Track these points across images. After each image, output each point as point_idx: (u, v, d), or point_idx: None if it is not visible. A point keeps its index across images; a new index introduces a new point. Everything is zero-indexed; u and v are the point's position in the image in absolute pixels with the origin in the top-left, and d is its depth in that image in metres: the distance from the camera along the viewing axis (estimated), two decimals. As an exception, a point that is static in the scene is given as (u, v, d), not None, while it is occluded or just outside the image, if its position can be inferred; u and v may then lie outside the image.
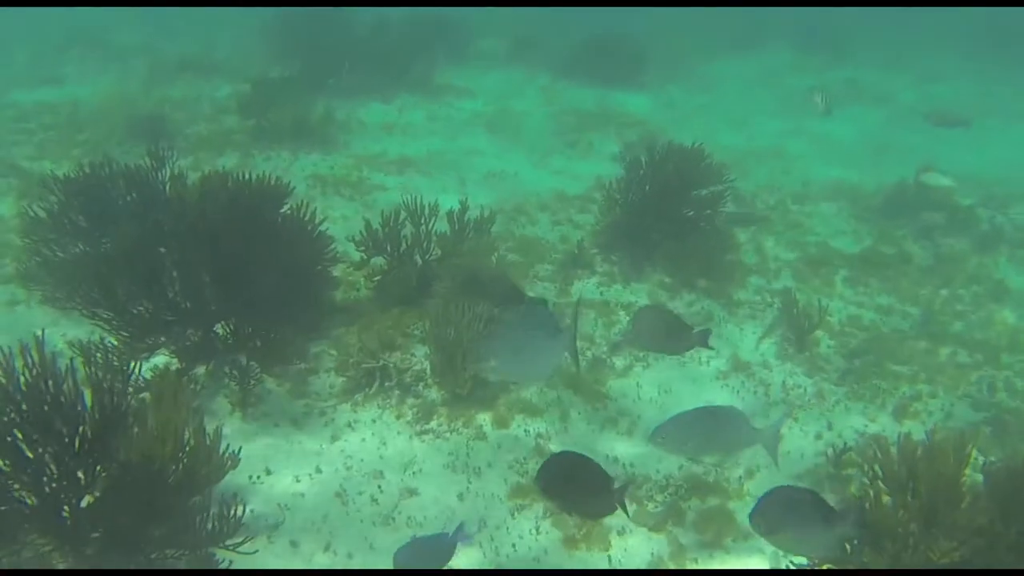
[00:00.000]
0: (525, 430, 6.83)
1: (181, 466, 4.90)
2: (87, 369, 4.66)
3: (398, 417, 6.84)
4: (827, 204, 12.10)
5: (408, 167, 12.42)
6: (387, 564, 5.01)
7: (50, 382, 4.43)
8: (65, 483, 4.56)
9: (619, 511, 4.70)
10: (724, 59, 21.62)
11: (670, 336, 6.24)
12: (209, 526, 4.94)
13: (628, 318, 8.25)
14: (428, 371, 7.23)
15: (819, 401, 7.48)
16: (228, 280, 6.84)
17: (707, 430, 5.19)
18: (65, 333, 7.43)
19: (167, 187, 7.90)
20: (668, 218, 9.34)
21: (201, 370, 7.00)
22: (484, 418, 6.87)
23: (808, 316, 8.22)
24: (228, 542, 4.99)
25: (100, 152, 11.26)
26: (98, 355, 6.39)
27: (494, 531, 5.79)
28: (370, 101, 15.46)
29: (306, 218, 7.57)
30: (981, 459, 6.39)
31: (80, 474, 4.59)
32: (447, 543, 4.78)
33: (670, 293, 9.03)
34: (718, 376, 7.77)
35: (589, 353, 7.85)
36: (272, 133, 12.71)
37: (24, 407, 4.39)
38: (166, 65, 17.12)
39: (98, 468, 4.64)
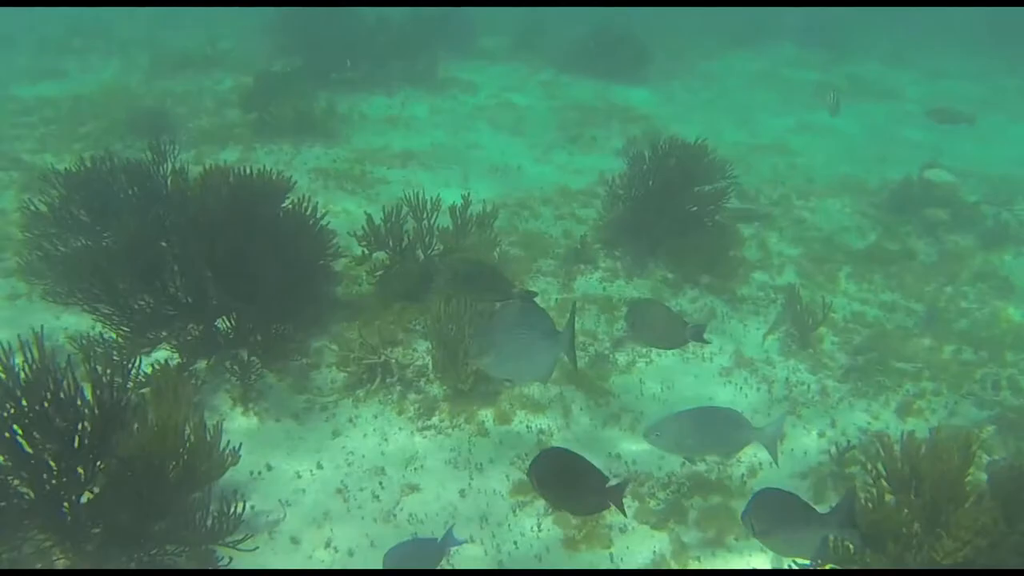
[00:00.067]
0: (527, 426, 6.81)
1: (181, 462, 4.89)
2: (87, 364, 4.63)
3: (400, 413, 6.82)
4: (831, 200, 12.05)
5: (411, 161, 12.38)
6: (388, 561, 5.01)
7: (50, 378, 4.41)
8: (65, 479, 4.54)
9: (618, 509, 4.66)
10: (727, 54, 21.54)
11: (665, 330, 6.23)
12: (209, 523, 4.93)
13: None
14: (430, 367, 7.21)
15: (822, 398, 7.45)
16: (229, 275, 6.81)
17: (703, 431, 5.17)
18: (67, 327, 7.43)
19: (168, 181, 7.88)
20: (671, 214, 9.30)
21: (202, 365, 6.99)
22: (486, 414, 6.85)
23: (812, 312, 8.19)
24: (228, 539, 4.98)
25: (102, 146, 11.27)
26: (98, 350, 6.38)
27: (495, 528, 5.77)
28: (373, 95, 15.42)
29: (308, 212, 7.54)
30: (985, 457, 6.38)
31: (80, 470, 4.58)
32: (436, 547, 4.79)
33: (673, 289, 8.99)
34: (721, 372, 7.74)
35: (592, 349, 7.83)
36: (274, 127, 12.68)
37: (24, 403, 4.37)
38: (168, 58, 17.07)
39: (98, 464, 4.63)
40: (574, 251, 9.41)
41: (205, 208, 6.87)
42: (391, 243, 8.06)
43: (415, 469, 6.26)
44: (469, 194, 8.75)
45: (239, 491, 5.81)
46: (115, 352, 6.42)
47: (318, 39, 16.16)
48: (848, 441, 6.61)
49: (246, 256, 6.81)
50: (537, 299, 8.42)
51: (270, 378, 7.01)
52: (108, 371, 4.62)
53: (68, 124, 13.26)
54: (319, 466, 6.21)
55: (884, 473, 4.85)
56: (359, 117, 14.20)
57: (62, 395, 4.43)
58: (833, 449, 6.53)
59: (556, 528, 5.78)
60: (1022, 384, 7.84)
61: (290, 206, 7.52)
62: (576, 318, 8.08)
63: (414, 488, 6.07)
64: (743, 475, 6.41)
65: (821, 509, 5.98)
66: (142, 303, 6.62)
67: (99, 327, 6.67)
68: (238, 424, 6.55)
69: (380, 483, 6.10)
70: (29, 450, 4.45)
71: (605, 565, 5.55)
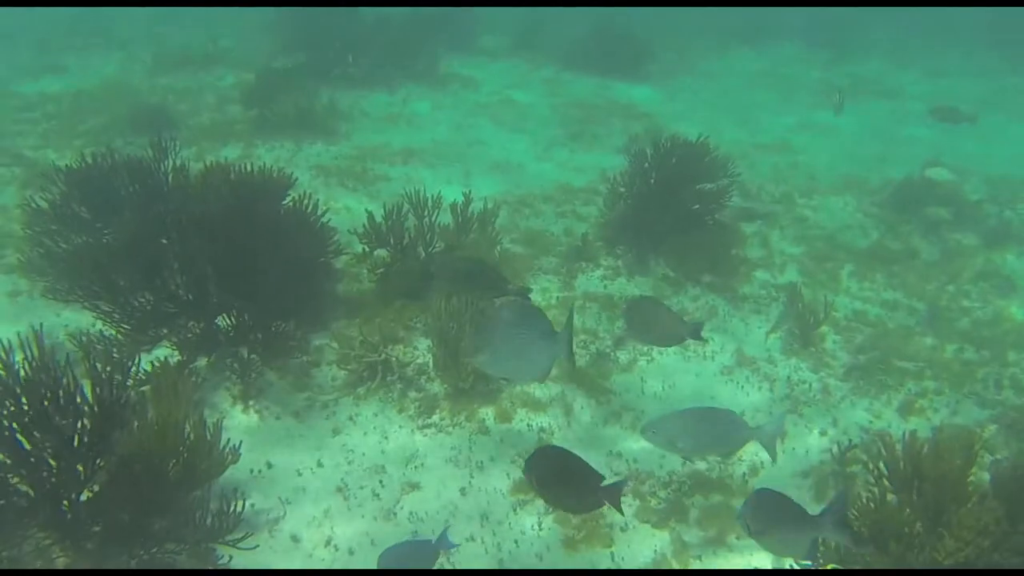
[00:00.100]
0: (528, 424, 6.79)
1: (181, 460, 4.88)
2: (86, 362, 4.62)
3: (400, 411, 6.81)
4: (833, 198, 12.02)
5: (412, 158, 12.36)
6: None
7: (49, 375, 4.40)
8: (65, 477, 4.53)
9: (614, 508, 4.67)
10: (730, 53, 21.52)
11: (662, 328, 6.24)
12: (209, 521, 4.92)
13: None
14: (430, 364, 7.20)
15: (824, 397, 7.43)
16: (230, 272, 6.80)
17: (699, 431, 5.18)
18: (67, 324, 7.41)
19: (169, 178, 7.86)
20: (673, 211, 9.28)
21: (203, 362, 6.97)
22: (487, 412, 6.84)
23: (814, 311, 8.17)
24: (228, 537, 4.97)
25: (103, 142, 11.25)
26: (98, 347, 6.37)
27: (496, 526, 5.76)
28: (374, 92, 15.40)
29: (308, 210, 7.53)
30: (988, 457, 6.36)
31: (80, 468, 4.57)
32: (430, 549, 4.80)
33: (675, 287, 8.97)
34: (723, 371, 7.72)
35: (593, 347, 7.81)
36: (276, 123, 12.67)
37: (24, 400, 4.36)
38: (170, 55, 17.05)
39: (98, 462, 4.62)
40: (575, 249, 9.39)
41: (206, 205, 6.85)
42: (392, 241, 8.04)
43: (415, 467, 6.25)
44: (470, 191, 8.73)
45: (239, 489, 5.79)
46: (115, 350, 6.41)
47: (320, 36, 16.15)
48: (850, 440, 6.59)
49: (247, 253, 6.79)
50: (539, 297, 8.45)
51: (270, 376, 6.99)
52: (108, 369, 4.61)
53: (70, 120, 13.25)
54: (319, 464, 6.20)
55: (886, 472, 4.83)
56: (360, 114, 14.18)
57: (62, 393, 4.43)
58: (835, 448, 6.51)
59: (557, 527, 5.77)
60: (1024, 383, 7.83)
61: (291, 203, 7.50)
62: (577, 316, 8.14)
63: (414, 486, 6.06)
64: (744, 474, 6.39)
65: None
66: (142, 300, 6.61)
67: (99, 324, 6.66)
68: (238, 422, 6.54)
69: (380, 481, 6.09)
70: (29, 448, 4.44)
71: (606, 564, 5.54)
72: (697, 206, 9.38)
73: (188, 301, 6.76)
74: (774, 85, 19.03)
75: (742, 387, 7.51)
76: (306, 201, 7.51)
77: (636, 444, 6.58)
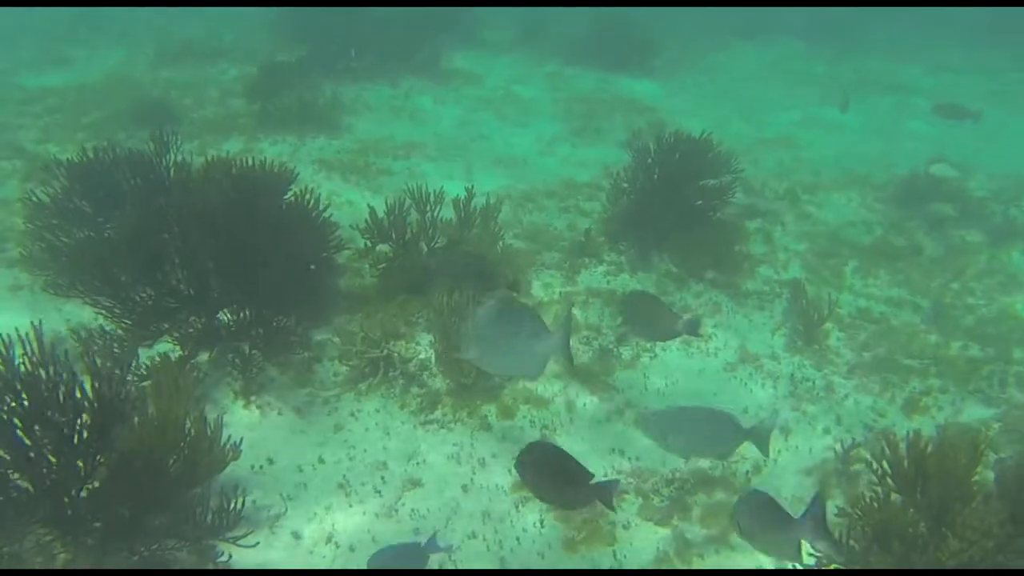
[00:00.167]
0: (531, 421, 6.77)
1: (182, 456, 4.85)
2: (86, 358, 4.60)
3: (402, 407, 6.79)
4: (837, 194, 11.96)
5: (415, 152, 12.32)
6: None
7: (49, 370, 4.38)
8: (65, 473, 4.51)
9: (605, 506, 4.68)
10: (734, 48, 21.43)
11: (657, 322, 6.24)
12: (209, 518, 4.90)
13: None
14: (432, 360, 7.18)
15: (828, 394, 7.39)
16: (231, 267, 6.77)
17: (692, 431, 5.18)
18: (69, 319, 7.39)
19: (171, 172, 7.83)
20: (676, 207, 9.24)
21: (204, 358, 6.95)
22: (489, 409, 6.81)
23: (817, 308, 8.13)
24: (228, 534, 4.95)
25: (105, 136, 11.22)
26: (99, 342, 6.35)
27: (498, 524, 5.74)
28: (377, 86, 15.35)
29: (310, 204, 7.50)
30: (992, 456, 6.32)
31: (80, 464, 4.55)
32: (419, 552, 4.82)
33: (678, 283, 8.93)
34: (726, 368, 7.69)
35: (596, 343, 7.79)
36: (278, 117, 12.63)
37: (24, 396, 4.34)
38: (173, 48, 17.00)
39: (98, 458, 4.60)
40: (578, 244, 9.36)
41: (207, 199, 6.83)
42: (394, 236, 8.01)
43: (417, 464, 6.23)
44: (473, 186, 8.69)
45: (240, 485, 5.78)
46: (116, 345, 6.39)
47: (323, 30, 16.09)
48: (853, 438, 6.56)
49: (248, 248, 6.76)
50: (541, 292, 8.42)
51: (272, 371, 6.97)
52: (108, 364, 4.59)
53: (72, 114, 13.22)
54: (321, 460, 6.18)
55: (889, 472, 4.80)
56: (363, 108, 14.14)
57: (62, 389, 4.41)
58: (838, 446, 6.49)
59: (559, 525, 5.75)
60: (1029, 381, 7.79)
61: (293, 198, 7.47)
62: (580, 312, 8.11)
63: (416, 483, 6.04)
64: (747, 472, 6.37)
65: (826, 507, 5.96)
66: (143, 295, 6.58)
67: (101, 319, 6.64)
68: (239, 417, 6.52)
69: (382, 478, 6.07)
70: (29, 443, 4.42)
71: (608, 562, 5.52)
72: (700, 202, 9.34)
73: (189, 296, 6.74)
74: (777, 81, 18.94)
75: (745, 384, 7.48)
76: (308, 196, 7.48)
77: (639, 441, 6.56)
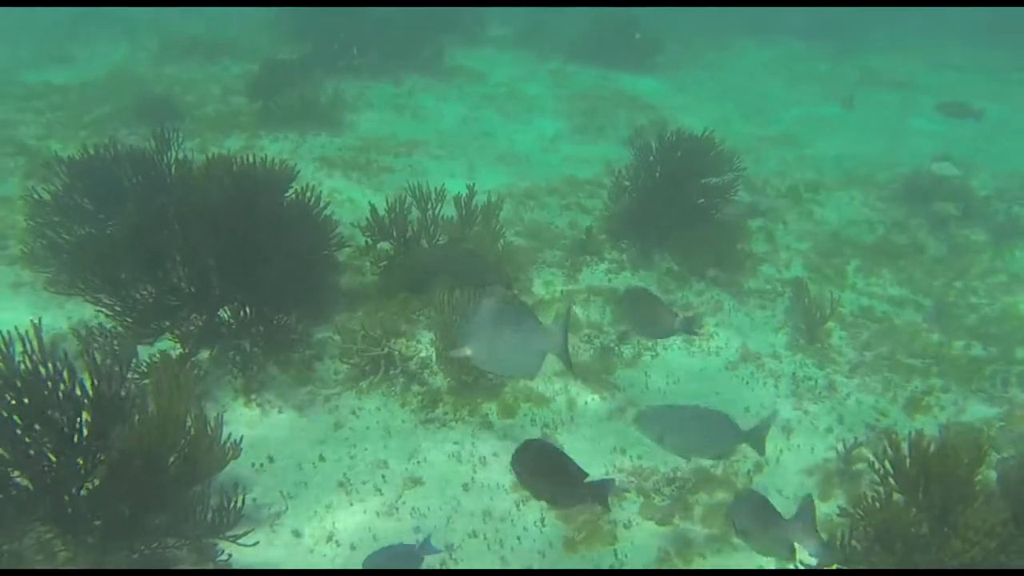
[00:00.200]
0: (532, 419, 6.76)
1: (182, 455, 4.84)
2: (86, 355, 4.59)
3: (403, 405, 6.78)
4: (840, 193, 11.93)
5: (417, 150, 12.31)
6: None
7: (49, 368, 4.37)
8: (64, 471, 4.51)
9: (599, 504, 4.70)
10: (736, 45, 21.38)
11: (654, 320, 6.24)
12: (209, 517, 4.89)
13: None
14: (433, 358, 7.17)
15: (830, 393, 7.37)
16: (232, 264, 6.76)
17: (688, 430, 5.19)
18: (70, 316, 7.39)
19: (172, 169, 7.83)
20: (678, 205, 9.22)
21: (205, 355, 6.94)
22: (490, 407, 6.80)
23: (820, 307, 8.11)
24: (229, 533, 4.94)
25: (108, 132, 11.23)
26: (100, 340, 6.35)
27: (499, 523, 5.73)
28: (379, 83, 15.32)
29: (311, 202, 7.48)
30: (995, 455, 6.30)
31: (80, 462, 4.54)
32: (414, 554, 4.84)
33: (679, 282, 8.92)
34: (728, 366, 7.68)
35: (597, 341, 7.77)
36: (280, 115, 12.61)
37: (24, 394, 4.33)
38: (176, 45, 16.98)
39: (99, 456, 4.59)
40: (580, 242, 9.34)
41: (208, 197, 6.82)
42: (395, 233, 8.00)
43: (418, 462, 6.22)
44: (474, 184, 8.68)
45: (240, 484, 5.78)
46: (116, 342, 6.39)
47: (325, 27, 16.07)
48: (855, 438, 6.54)
49: (249, 246, 6.75)
50: (542, 290, 8.42)
51: (273, 369, 6.96)
52: (108, 362, 4.57)
53: (74, 110, 13.21)
54: (321, 458, 6.17)
55: (892, 471, 4.78)
56: (365, 105, 14.11)
57: (62, 387, 4.40)
58: (840, 446, 6.47)
59: (560, 524, 5.74)
60: (1032, 381, 7.76)
61: (294, 195, 7.46)
62: (581, 310, 8.09)
63: (417, 481, 6.03)
64: (749, 471, 6.35)
65: (828, 506, 5.96)
66: (144, 293, 6.58)
67: (101, 317, 6.63)
68: (240, 415, 6.51)
69: (383, 476, 6.05)
70: (28, 441, 4.41)
71: (609, 561, 5.51)
72: (702, 200, 9.32)
73: (190, 293, 6.73)
74: (779, 79, 18.91)
75: (747, 383, 7.46)
76: (309, 193, 7.47)
77: (640, 440, 6.52)
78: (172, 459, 4.80)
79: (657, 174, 9.23)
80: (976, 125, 13.19)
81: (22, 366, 4.34)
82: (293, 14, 17.35)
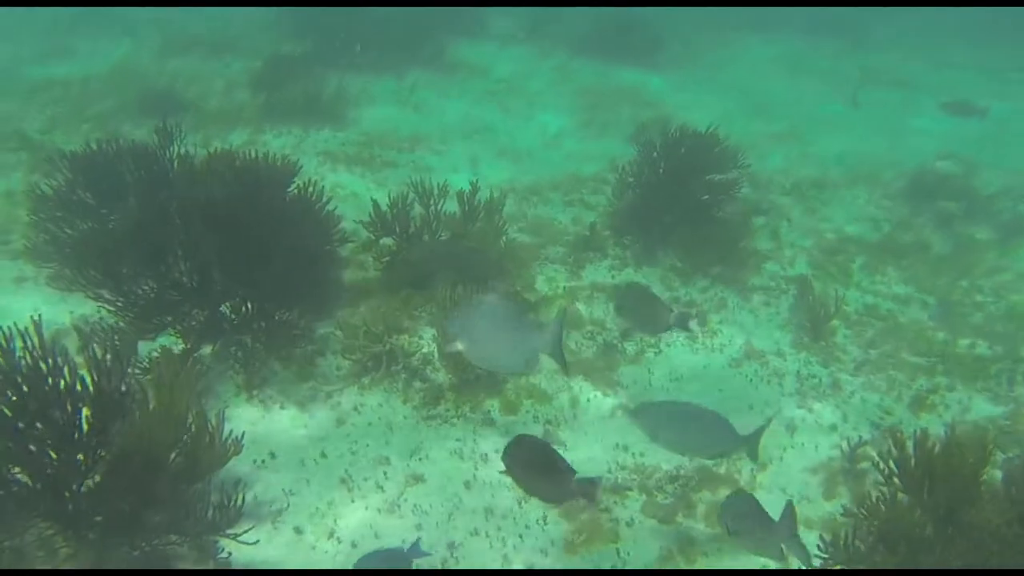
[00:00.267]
0: (534, 416, 6.74)
1: (183, 451, 4.83)
2: (86, 351, 4.57)
3: (405, 401, 6.76)
4: (844, 190, 11.89)
5: (420, 145, 12.28)
6: (391, 554, 4.96)
7: (50, 364, 4.36)
8: (65, 468, 4.49)
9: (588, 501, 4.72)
10: (741, 42, 21.27)
11: (648, 315, 6.21)
12: (210, 514, 4.88)
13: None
14: (435, 354, 7.14)
15: (834, 392, 7.34)
16: (234, 260, 6.74)
17: (683, 429, 5.17)
18: (72, 311, 7.37)
19: (174, 164, 7.81)
20: (682, 202, 9.18)
21: (207, 351, 6.92)
22: (492, 403, 6.78)
23: (824, 305, 8.08)
24: (229, 530, 4.93)
25: (111, 127, 11.23)
26: (101, 336, 6.33)
27: (501, 520, 5.70)
28: (382, 78, 15.27)
29: (314, 197, 7.46)
30: (1000, 455, 6.27)
31: (80, 458, 4.52)
32: (404, 557, 4.84)
33: (683, 278, 8.88)
34: (731, 364, 7.64)
35: (600, 338, 7.74)
36: (283, 109, 12.59)
37: (25, 389, 4.32)
38: (179, 40, 16.95)
39: (99, 452, 4.57)
40: (583, 238, 9.30)
41: (210, 192, 6.79)
42: (398, 229, 7.98)
43: (420, 459, 6.19)
44: (477, 179, 8.64)
45: (242, 480, 5.77)
46: (118, 338, 6.37)
47: (325, 27, 16.03)
48: (860, 436, 6.51)
49: (251, 241, 6.73)
50: (545, 287, 8.39)
51: (275, 365, 6.94)
52: (109, 357, 4.55)
53: (78, 104, 13.19)
54: (323, 455, 6.15)
55: (896, 471, 4.75)
56: (368, 100, 14.08)
57: (62, 383, 4.38)
58: (844, 444, 6.44)
59: (562, 522, 5.71)
60: (1037, 380, 7.72)
61: (296, 190, 7.44)
62: (584, 307, 8.06)
63: (418, 478, 6.01)
64: (752, 469, 6.32)
65: (832, 506, 5.94)
66: (146, 288, 6.56)
67: (103, 312, 6.61)
68: (242, 411, 6.49)
69: (384, 473, 6.03)
70: (29, 437, 4.40)
71: (611, 560, 5.48)
72: (706, 197, 9.28)
73: (192, 288, 6.71)
74: (783, 76, 18.81)
75: (751, 380, 7.43)
76: (311, 188, 7.44)
77: (643, 437, 6.50)
78: (173, 456, 4.79)
79: (661, 170, 9.19)
80: (980, 123, 13.14)
81: (23, 362, 4.32)
82: (293, 14, 17.31)
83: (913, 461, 4.69)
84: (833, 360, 7.79)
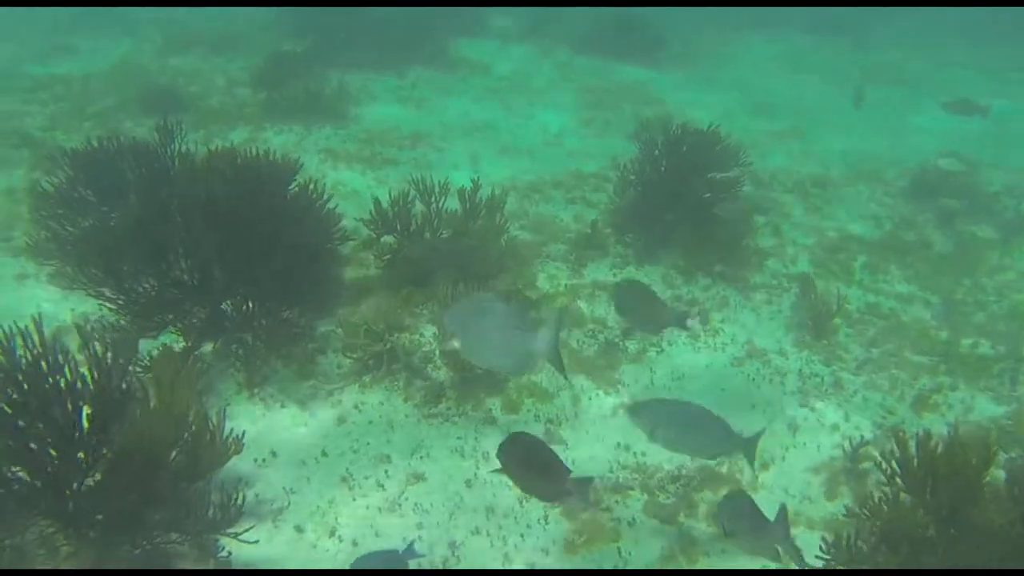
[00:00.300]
0: (536, 415, 6.72)
1: (184, 450, 4.82)
2: (87, 349, 4.56)
3: (406, 400, 6.74)
4: (846, 188, 11.86)
5: (421, 142, 12.26)
6: (392, 553, 4.95)
7: (50, 363, 4.35)
8: (66, 466, 4.48)
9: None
10: (741, 41, 21.25)
11: (646, 314, 6.20)
12: (211, 513, 4.87)
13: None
14: (436, 352, 7.13)
15: (836, 391, 7.32)
16: (234, 257, 6.73)
17: (681, 428, 5.16)
18: (74, 308, 7.37)
19: (175, 162, 7.79)
20: (684, 200, 9.16)
21: (208, 349, 6.91)
22: (493, 402, 6.77)
23: (826, 303, 8.06)
24: (230, 529, 4.92)
25: (112, 124, 11.21)
26: (102, 333, 6.32)
27: (502, 519, 5.69)
28: (384, 76, 15.26)
29: (315, 195, 7.44)
30: (1003, 455, 6.25)
31: (81, 456, 4.51)
32: (398, 559, 4.82)
33: (685, 276, 8.86)
34: (733, 362, 7.62)
35: (602, 337, 7.73)
36: (284, 107, 12.58)
37: (25, 387, 4.31)
38: (180, 39, 16.95)
39: (100, 450, 4.56)
40: (585, 236, 9.28)
41: (211, 190, 6.78)
42: (399, 226, 7.97)
43: (420, 458, 6.18)
44: (479, 177, 8.63)
45: (243, 479, 5.76)
46: (119, 336, 6.35)
47: (325, 27, 16.01)
48: (862, 436, 6.49)
49: (251, 238, 6.71)
50: (546, 285, 8.37)
51: (275, 363, 6.93)
52: (110, 355, 4.54)
53: (79, 102, 13.17)
54: (324, 454, 6.14)
55: (899, 471, 4.73)
56: (369, 98, 14.06)
57: (63, 381, 4.37)
58: (847, 444, 6.42)
59: (563, 521, 5.70)
60: (1040, 379, 7.70)
61: (297, 188, 7.42)
62: (586, 305, 8.05)
63: (419, 477, 6.00)
64: (755, 468, 6.29)
65: (834, 506, 5.93)
66: (147, 286, 6.55)
67: (105, 309, 6.60)
68: (243, 410, 6.48)
69: (385, 471, 6.02)
70: (29, 435, 4.39)
71: (612, 560, 5.47)
72: (708, 195, 9.26)
73: (193, 286, 6.70)
74: (785, 74, 18.80)
75: (752, 379, 7.41)
76: (312, 186, 7.43)
77: (645, 436, 6.49)
78: (174, 454, 4.78)
79: (663, 168, 9.17)
80: (981, 122, 13.10)
81: (24, 360, 4.31)
82: (294, 14, 17.30)
83: (916, 461, 4.67)
84: (835, 359, 7.78)
